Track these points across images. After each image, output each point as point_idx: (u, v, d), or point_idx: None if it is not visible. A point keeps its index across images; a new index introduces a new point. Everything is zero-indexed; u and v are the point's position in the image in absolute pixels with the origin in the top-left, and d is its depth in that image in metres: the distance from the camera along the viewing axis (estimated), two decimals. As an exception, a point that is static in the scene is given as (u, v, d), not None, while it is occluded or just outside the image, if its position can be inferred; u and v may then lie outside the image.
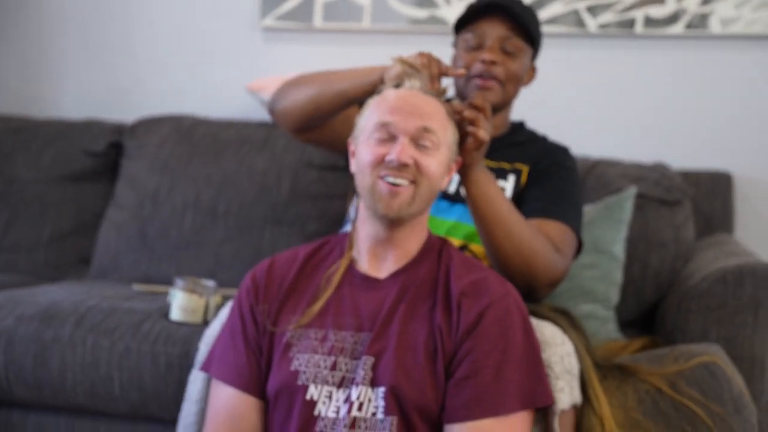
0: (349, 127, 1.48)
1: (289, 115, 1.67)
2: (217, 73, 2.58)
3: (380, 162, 1.28)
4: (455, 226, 1.64)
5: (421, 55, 1.42)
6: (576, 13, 2.34)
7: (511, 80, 1.68)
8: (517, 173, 1.70)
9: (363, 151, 1.31)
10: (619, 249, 1.90)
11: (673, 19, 2.28)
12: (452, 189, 1.67)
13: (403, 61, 1.39)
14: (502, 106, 1.72)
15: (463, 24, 1.71)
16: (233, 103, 2.51)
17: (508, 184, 1.68)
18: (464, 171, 1.45)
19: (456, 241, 1.63)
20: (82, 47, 2.67)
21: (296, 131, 1.71)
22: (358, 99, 1.52)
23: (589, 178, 2.07)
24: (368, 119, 1.32)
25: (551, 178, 1.67)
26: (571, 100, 2.35)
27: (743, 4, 2.23)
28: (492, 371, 1.21)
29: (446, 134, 1.33)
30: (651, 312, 1.97)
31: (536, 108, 2.33)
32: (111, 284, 2.09)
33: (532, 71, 1.77)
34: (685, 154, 2.25)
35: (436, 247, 1.37)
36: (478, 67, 1.66)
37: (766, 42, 2.23)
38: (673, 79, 2.29)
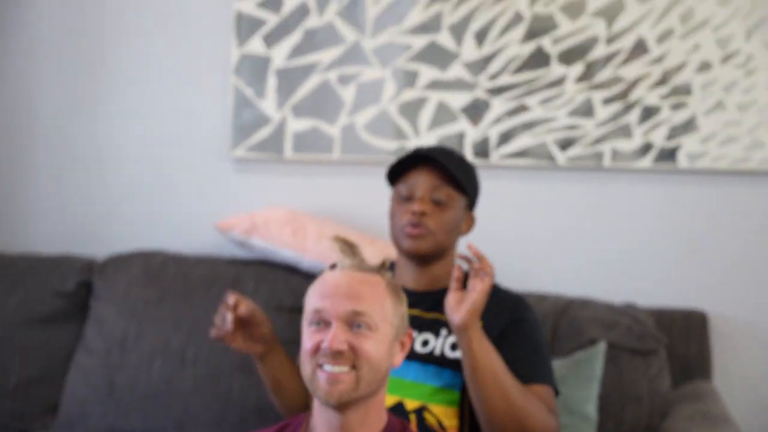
0: None
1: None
2: (188, 204, 2.57)
3: (317, 350, 1.28)
4: (412, 385, 1.62)
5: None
6: (544, 146, 2.34)
7: (443, 230, 1.69)
8: None
9: (303, 339, 1.31)
10: (591, 408, 1.88)
11: (641, 152, 2.28)
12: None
13: (337, 239, 1.38)
14: (436, 257, 1.71)
15: (395, 175, 1.73)
16: (204, 236, 2.49)
17: (438, 342, 1.66)
18: (463, 331, 1.47)
19: (414, 402, 1.60)
20: (52, 177, 2.66)
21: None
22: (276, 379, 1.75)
23: (561, 323, 2.05)
24: (307, 304, 1.33)
25: (519, 336, 1.66)
26: (542, 234, 2.35)
27: (709, 139, 2.24)
28: None
29: (385, 311, 1.31)
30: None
31: (507, 243, 2.34)
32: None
33: (470, 220, 1.78)
34: (657, 292, 2.23)
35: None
36: (409, 219, 1.68)
37: (732, 178, 2.23)
38: (643, 213, 2.29)
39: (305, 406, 1.71)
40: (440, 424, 1.62)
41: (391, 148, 2.43)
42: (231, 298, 1.69)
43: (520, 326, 1.67)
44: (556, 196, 2.34)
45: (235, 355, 2.15)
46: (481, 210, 2.34)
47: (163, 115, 2.60)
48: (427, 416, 1.62)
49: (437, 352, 1.64)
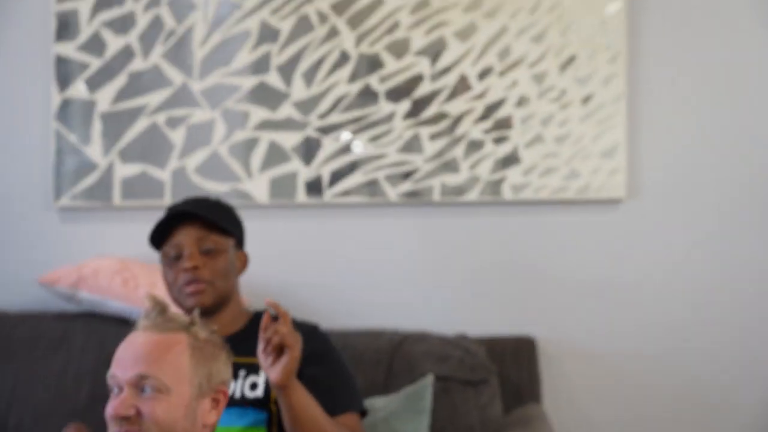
0: None
1: None
2: (10, 258, 2.45)
3: (110, 418, 1.26)
4: (219, 431, 1.59)
5: None
6: (376, 182, 2.37)
7: (219, 277, 1.72)
8: None
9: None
10: (422, 442, 1.91)
11: (468, 185, 2.34)
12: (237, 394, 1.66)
13: (149, 297, 1.35)
14: (222, 305, 1.73)
15: (158, 240, 1.75)
16: (28, 290, 2.38)
17: (260, 380, 1.68)
18: (283, 389, 1.49)
19: None
20: None
21: None
22: None
23: (395, 359, 2.07)
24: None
25: (322, 368, 1.70)
26: (378, 269, 2.38)
27: (531, 171, 2.33)
28: None
29: (181, 371, 1.28)
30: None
31: (343, 280, 2.36)
32: None
33: (243, 257, 1.81)
34: (489, 321, 2.29)
35: None
36: (183, 278, 1.69)
37: (554, 206, 2.33)
38: (474, 245, 2.36)
39: None
40: None
41: (224, 190, 2.40)
42: None
43: (322, 358, 1.71)
44: (390, 232, 2.38)
45: (62, 418, 2.04)
46: (315, 248, 2.38)
47: (-20, 163, 2.48)
48: None
49: (237, 395, 1.66)
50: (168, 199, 2.41)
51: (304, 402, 1.55)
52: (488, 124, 2.34)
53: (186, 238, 1.71)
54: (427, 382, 1.97)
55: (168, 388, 1.26)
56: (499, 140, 2.34)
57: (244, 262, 1.81)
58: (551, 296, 2.32)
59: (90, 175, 2.43)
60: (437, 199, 2.35)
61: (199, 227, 1.71)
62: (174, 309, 1.38)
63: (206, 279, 1.69)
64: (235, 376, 1.66)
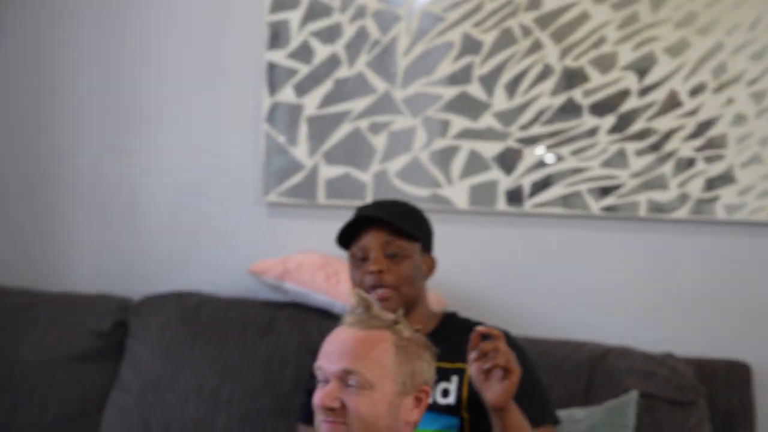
0: None
1: None
2: (222, 247, 2.59)
3: (317, 407, 1.32)
4: None
5: None
6: (579, 195, 2.35)
7: (404, 282, 1.72)
8: (460, 374, 1.69)
9: None
10: (624, 457, 1.86)
11: (677, 203, 2.29)
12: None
13: (356, 293, 1.40)
14: (409, 308, 1.74)
15: (346, 240, 1.78)
16: (238, 278, 2.50)
17: (452, 386, 1.68)
18: (498, 414, 1.50)
19: None
20: (91, 218, 2.70)
21: None
22: None
23: (596, 372, 2.03)
24: None
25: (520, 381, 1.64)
26: (579, 282, 2.35)
27: (747, 191, 2.25)
28: None
29: (386, 369, 1.32)
30: None
31: (543, 291, 2.35)
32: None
33: (429, 261, 1.81)
34: (697, 342, 2.21)
35: None
36: (368, 280, 1.71)
37: (771, 229, 2.24)
38: (682, 263, 2.29)
39: None
40: None
41: (424, 195, 2.44)
42: None
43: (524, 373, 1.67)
44: (592, 245, 2.35)
45: (269, 398, 2.14)
46: (514, 257, 2.38)
47: (198, 160, 2.64)
48: None
49: (429, 400, 1.64)
50: (369, 201, 2.48)
51: (519, 422, 1.55)
52: (700, 141, 2.28)
53: (372, 241, 1.73)
54: (632, 397, 1.92)
55: (372, 384, 1.30)
56: (711, 159, 2.27)
57: (430, 266, 1.81)
58: (768, 322, 2.22)
59: (296, 175, 2.54)
60: (643, 214, 2.31)
61: (385, 232, 1.73)
62: (378, 307, 1.41)
63: (390, 284, 1.71)
64: None
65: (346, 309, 1.40)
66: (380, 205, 1.81)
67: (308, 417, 1.81)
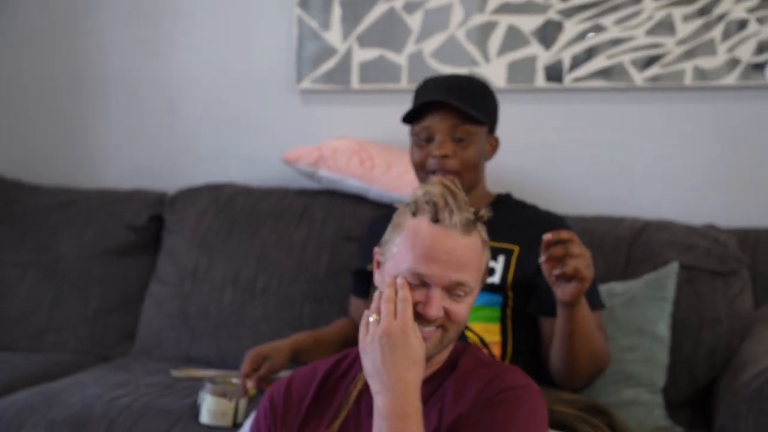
0: None
1: None
2: (256, 137, 2.56)
3: (425, 317, 1.24)
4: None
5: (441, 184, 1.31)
6: (621, 66, 2.23)
7: (469, 167, 1.67)
8: (508, 254, 1.66)
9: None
10: (663, 328, 1.81)
11: (726, 69, 2.15)
12: None
13: (441, 183, 1.28)
14: (468, 191, 1.65)
15: (410, 115, 1.70)
16: (273, 167, 2.48)
17: (498, 266, 1.65)
18: (567, 308, 1.48)
19: None
20: (124, 115, 2.69)
21: None
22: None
23: (636, 246, 1.97)
24: (400, 254, 1.25)
25: None
26: (619, 157, 2.26)
27: (800, 52, 2.10)
28: None
29: (481, 272, 1.29)
30: (706, 391, 1.86)
31: (583, 167, 2.27)
32: (151, 366, 2.10)
33: (494, 143, 1.75)
34: (740, 212, 2.13)
35: (454, 358, 1.31)
36: (432, 164, 1.65)
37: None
38: (726, 132, 2.18)
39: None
40: (482, 341, 1.62)
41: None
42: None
43: None
44: (634, 118, 2.24)
45: (305, 284, 2.15)
46: (554, 134, 2.29)
47: (229, 51, 2.59)
48: (468, 335, 1.61)
49: None
50: (405, 83, 2.41)
51: (586, 317, 1.52)
52: (754, 1, 2.12)
53: (439, 124, 1.66)
54: (672, 269, 1.86)
55: (473, 289, 1.27)
56: (765, 19, 2.11)
57: (494, 146, 1.75)
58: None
59: (329, 60, 2.48)
60: (689, 83, 2.18)
61: (454, 116, 1.65)
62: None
63: (454, 169, 1.65)
64: None
65: (413, 198, 1.28)
66: (451, 84, 1.71)
67: (362, 291, 1.84)
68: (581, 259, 1.44)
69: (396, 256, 1.26)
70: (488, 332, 1.61)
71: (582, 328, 1.52)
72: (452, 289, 1.24)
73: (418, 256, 1.23)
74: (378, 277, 1.30)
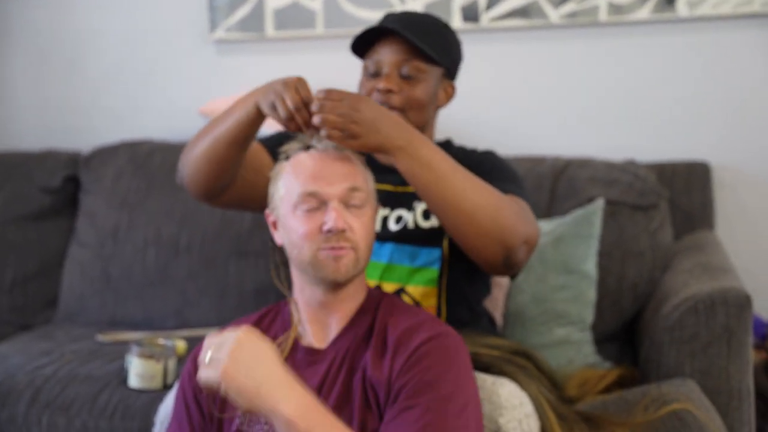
0: (262, 176, 1.42)
1: (194, 183, 1.49)
2: (171, 89, 2.49)
3: (317, 234, 1.24)
4: (388, 268, 1.55)
5: (290, 83, 1.30)
6: (536, 4, 2.23)
7: (414, 107, 1.54)
8: None
9: (293, 224, 1.26)
10: (590, 266, 1.84)
11: (638, 3, 2.16)
12: (378, 227, 1.55)
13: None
14: None
15: (360, 49, 1.59)
16: (190, 120, 2.41)
17: (411, 215, 1.55)
18: (396, 150, 1.31)
19: (391, 286, 1.54)
20: (30, 72, 2.58)
21: (210, 198, 1.52)
22: (246, 138, 1.39)
23: (559, 184, 1.99)
24: (288, 189, 1.26)
25: (490, 177, 1.47)
26: (537, 96, 2.27)
27: (710, -17, 2.12)
28: (424, 409, 1.14)
29: (369, 185, 1.29)
30: (631, 323, 1.91)
31: (503, 108, 2.27)
32: (75, 332, 2.05)
33: (449, 90, 1.62)
34: (658, 146, 2.16)
35: (374, 302, 1.31)
36: (375, 98, 1.53)
37: (736, 22, 2.12)
38: (642, 67, 2.20)
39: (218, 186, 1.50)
40: (417, 304, 1.55)
41: (376, 19, 2.31)
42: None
43: (489, 170, 1.52)
44: (552, 56, 2.25)
45: (229, 240, 2.11)
46: (472, 76, 2.27)
47: (139, 2, 2.49)
48: (404, 297, 1.55)
49: (410, 225, 1.55)
50: (320, 30, 2.36)
51: (421, 165, 1.31)
52: (662, -67, 2.13)
53: (388, 56, 1.53)
54: (597, 206, 1.88)
55: (366, 202, 1.26)
56: (674, -50, 2.13)
57: (449, 94, 1.62)
58: (729, 121, 2.14)
59: (242, 7, 2.41)
60: (603, 18, 2.19)
61: (405, 49, 1.52)
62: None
63: (397, 106, 1.52)
64: (410, 207, 1.56)
65: (283, 149, 1.28)
66: (410, 18, 1.56)
67: (270, 145, 1.56)
68: (331, 108, 1.28)
69: (285, 196, 1.27)
70: (424, 296, 1.54)
71: (422, 178, 1.32)
72: (348, 200, 1.24)
73: (306, 178, 1.25)
74: (279, 237, 1.30)
